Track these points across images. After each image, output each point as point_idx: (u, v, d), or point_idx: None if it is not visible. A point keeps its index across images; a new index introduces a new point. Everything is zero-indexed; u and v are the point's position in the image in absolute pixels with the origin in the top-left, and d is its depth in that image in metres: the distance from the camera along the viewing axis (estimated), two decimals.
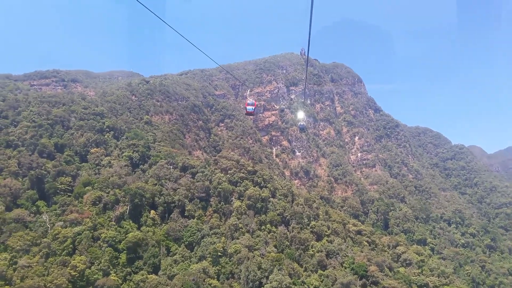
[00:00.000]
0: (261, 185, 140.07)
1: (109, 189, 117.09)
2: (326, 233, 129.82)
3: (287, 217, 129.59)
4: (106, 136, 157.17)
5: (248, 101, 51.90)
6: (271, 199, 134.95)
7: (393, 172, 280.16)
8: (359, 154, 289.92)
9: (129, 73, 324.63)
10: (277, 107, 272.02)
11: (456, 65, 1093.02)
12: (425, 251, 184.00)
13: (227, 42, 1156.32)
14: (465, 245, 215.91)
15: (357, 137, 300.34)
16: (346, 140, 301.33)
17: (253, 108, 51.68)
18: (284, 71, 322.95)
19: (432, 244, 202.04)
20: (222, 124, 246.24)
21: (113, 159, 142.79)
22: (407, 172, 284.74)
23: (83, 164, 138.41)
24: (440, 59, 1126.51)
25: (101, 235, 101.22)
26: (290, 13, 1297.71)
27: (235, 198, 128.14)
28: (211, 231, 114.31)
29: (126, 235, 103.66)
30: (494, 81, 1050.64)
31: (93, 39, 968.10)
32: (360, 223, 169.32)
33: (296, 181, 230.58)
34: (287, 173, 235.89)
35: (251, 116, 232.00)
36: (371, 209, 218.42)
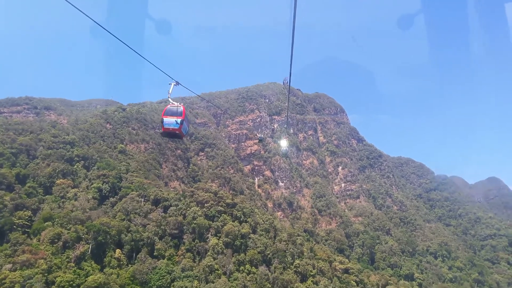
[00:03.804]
0: (241, 219, 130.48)
1: (71, 225, 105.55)
2: (311, 273, 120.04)
3: (269, 256, 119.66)
4: (75, 166, 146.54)
5: (168, 107, 24.67)
6: (252, 235, 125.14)
7: (378, 203, 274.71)
8: (342, 185, 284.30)
9: (108, 102, 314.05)
10: (258, 135, 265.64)
11: (436, 98, 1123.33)
12: (413, 287, 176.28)
13: (209, 71, 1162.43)
14: (453, 279, 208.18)
15: (340, 167, 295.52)
16: (329, 170, 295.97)
17: (178, 122, 24.26)
18: (267, 100, 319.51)
19: (420, 279, 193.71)
20: (202, 153, 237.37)
21: (81, 191, 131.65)
22: (391, 204, 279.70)
23: (47, 196, 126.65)
24: (421, 94, 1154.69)
25: (57, 278, 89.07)
26: (273, 45, 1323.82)
27: (211, 235, 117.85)
28: (183, 274, 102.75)
29: (86, 279, 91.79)
30: (473, 113, 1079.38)
31: (71, 68, 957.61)
32: (346, 260, 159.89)
33: (279, 213, 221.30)
34: (269, 204, 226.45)
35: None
36: (357, 242, 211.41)
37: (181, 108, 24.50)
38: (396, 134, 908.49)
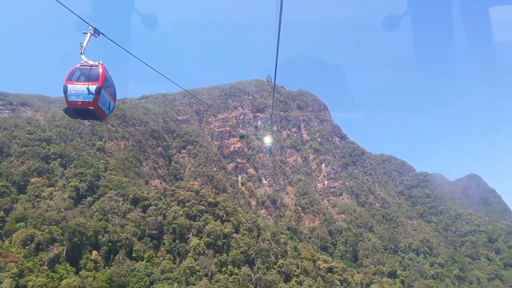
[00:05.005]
0: (223, 218, 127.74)
1: (45, 226, 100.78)
2: (295, 273, 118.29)
3: (252, 256, 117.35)
4: (51, 165, 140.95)
5: (76, 67, 14.74)
6: (234, 234, 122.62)
7: (360, 200, 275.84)
8: (326, 182, 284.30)
9: None
10: (240, 131, 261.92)
11: (418, 95, 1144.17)
12: (396, 284, 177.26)
13: (192, 67, 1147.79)
14: (435, 276, 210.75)
15: (323, 165, 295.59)
16: (313, 167, 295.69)
17: (93, 91, 14.26)
18: (251, 97, 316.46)
19: (402, 276, 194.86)
20: (184, 151, 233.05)
21: (57, 190, 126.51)
22: (374, 201, 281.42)
23: (21, 196, 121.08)
24: (402, 91, 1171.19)
25: (28, 283, 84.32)
26: (257, 41, 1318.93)
27: (192, 235, 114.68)
28: (163, 276, 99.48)
29: (60, 282, 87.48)
30: (451, 110, 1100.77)
31: (51, 63, 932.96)
32: (330, 258, 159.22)
33: (263, 211, 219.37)
34: (253, 202, 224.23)
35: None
36: (340, 240, 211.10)
37: (98, 69, 14.71)
38: (378, 131, 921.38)
